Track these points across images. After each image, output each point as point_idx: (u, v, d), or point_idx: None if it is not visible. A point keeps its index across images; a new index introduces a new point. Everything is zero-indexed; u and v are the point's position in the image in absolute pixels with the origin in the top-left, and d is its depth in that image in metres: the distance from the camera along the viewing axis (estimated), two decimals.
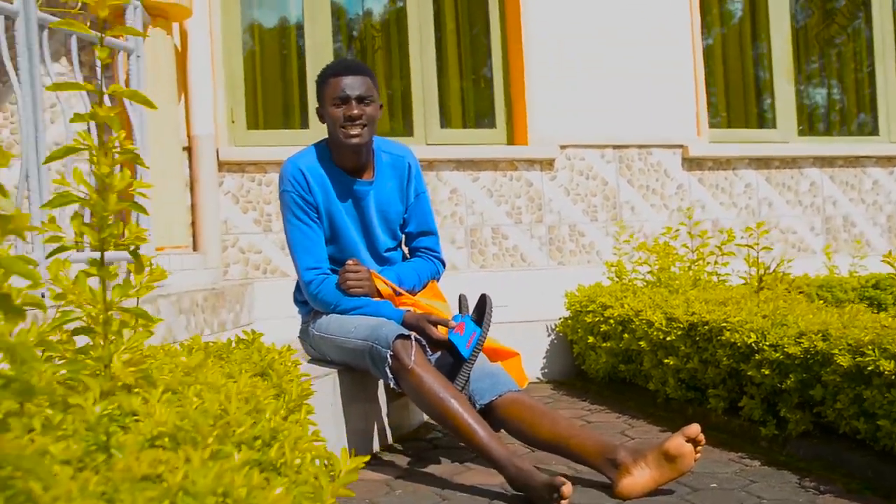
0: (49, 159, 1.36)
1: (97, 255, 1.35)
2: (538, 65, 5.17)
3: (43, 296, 2.06)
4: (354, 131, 2.74)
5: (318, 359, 2.96)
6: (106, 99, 3.89)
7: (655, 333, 3.26)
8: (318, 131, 4.57)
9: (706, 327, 3.04)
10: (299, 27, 5.18)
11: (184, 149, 4.67)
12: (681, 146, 5.43)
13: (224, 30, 4.88)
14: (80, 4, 3.82)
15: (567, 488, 2.15)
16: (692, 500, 2.34)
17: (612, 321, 3.60)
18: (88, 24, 3.99)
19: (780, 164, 5.68)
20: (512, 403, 2.60)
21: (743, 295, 3.31)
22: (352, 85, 2.74)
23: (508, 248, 5.15)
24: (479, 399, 2.64)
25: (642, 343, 3.37)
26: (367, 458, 1.48)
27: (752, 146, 5.65)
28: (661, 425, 3.21)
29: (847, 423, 2.52)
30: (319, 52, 5.11)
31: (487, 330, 2.61)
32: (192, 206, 4.72)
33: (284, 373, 1.97)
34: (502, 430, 2.64)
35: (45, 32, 3.45)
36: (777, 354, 2.69)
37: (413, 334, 2.58)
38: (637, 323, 3.41)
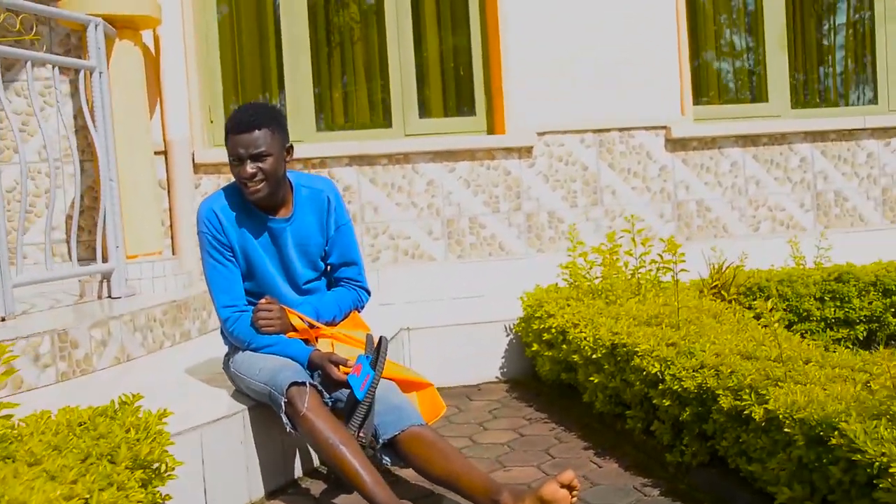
0: None
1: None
2: (516, 50, 5.13)
3: None
4: (253, 188, 2.80)
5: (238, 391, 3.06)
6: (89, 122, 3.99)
7: (586, 348, 3.29)
8: (297, 128, 4.59)
9: (624, 349, 3.06)
10: (276, 21, 5.21)
11: (160, 153, 4.78)
12: (664, 127, 5.36)
13: (198, 30, 4.93)
14: (34, 30, 3.90)
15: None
16: None
17: (553, 330, 3.63)
18: (44, 49, 4.08)
19: (768, 140, 5.55)
20: (413, 438, 2.67)
21: (674, 310, 3.30)
22: (246, 143, 2.77)
23: (486, 237, 5.18)
24: (384, 433, 2.71)
25: (575, 357, 3.41)
26: None
27: (739, 123, 5.53)
28: (588, 441, 3.26)
29: (733, 460, 2.54)
30: (297, 45, 5.14)
31: (380, 373, 2.67)
32: (169, 210, 4.85)
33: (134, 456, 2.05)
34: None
35: None
36: (676, 386, 2.71)
37: (308, 381, 2.65)
38: (573, 335, 3.44)
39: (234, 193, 2.95)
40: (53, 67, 3.83)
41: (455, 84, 5.48)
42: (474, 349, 4.21)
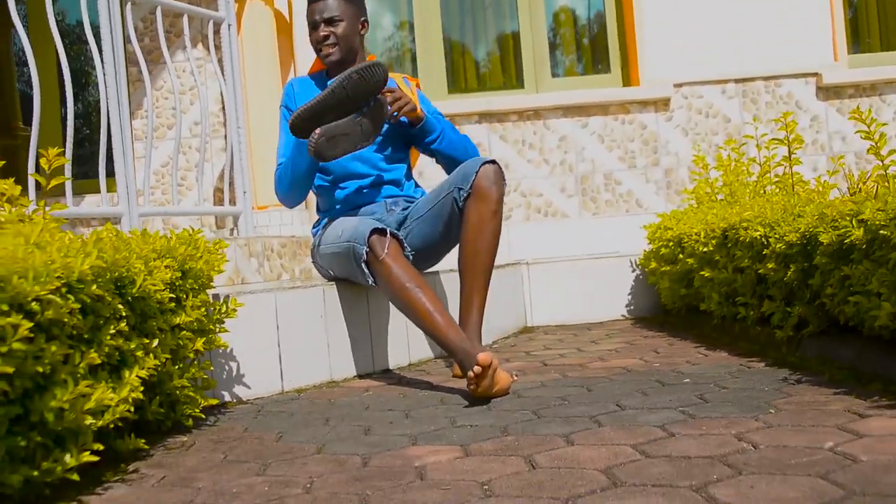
0: None
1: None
2: (648, 1, 4.95)
3: None
4: (326, 51, 2.92)
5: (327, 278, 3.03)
6: (218, 73, 4.21)
7: (698, 246, 3.05)
8: (429, 91, 4.58)
9: (733, 231, 2.80)
10: None
11: None
12: (814, 74, 4.99)
13: None
14: None
15: (484, 357, 2.16)
16: (653, 393, 2.19)
17: (670, 243, 3.40)
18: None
19: None
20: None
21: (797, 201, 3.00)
22: (320, 9, 2.91)
23: (622, 193, 4.96)
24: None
25: (690, 261, 3.16)
26: None
27: None
28: (701, 343, 3.01)
29: (840, 309, 2.25)
30: (427, 10, 5.19)
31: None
32: None
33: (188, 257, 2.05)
34: None
35: (129, 6, 3.78)
36: (780, 246, 2.45)
37: (389, 229, 2.61)
38: (686, 240, 3.20)
39: (318, 76, 3.10)
40: (184, 17, 4.04)
41: (588, 40, 5.36)
42: (597, 285, 4.01)
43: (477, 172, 2.68)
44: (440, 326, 2.40)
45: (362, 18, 2.99)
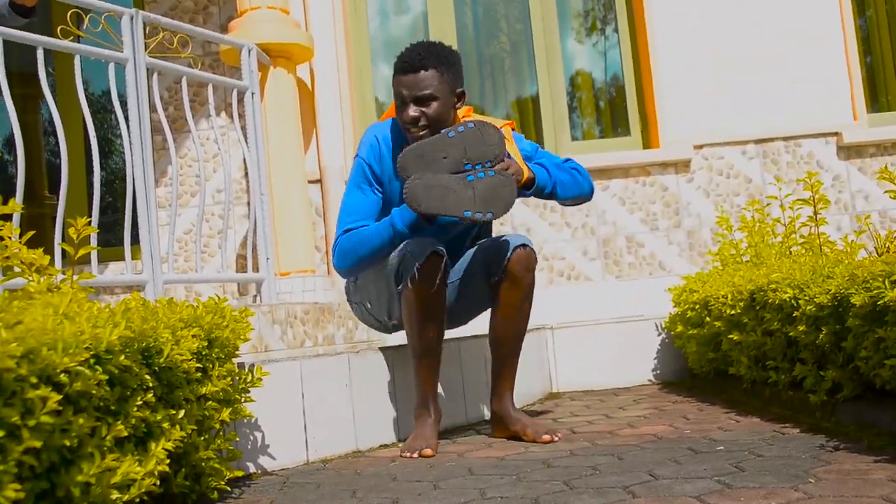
0: None
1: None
2: (666, 62, 4.99)
3: None
4: (416, 132, 2.61)
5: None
6: (241, 140, 4.25)
7: (726, 310, 3.01)
8: None
9: (761, 293, 2.77)
10: None
11: (315, 181, 4.94)
12: (835, 133, 4.99)
13: (352, 65, 5.14)
14: (189, 48, 4.20)
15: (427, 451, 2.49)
16: (686, 461, 2.14)
17: (697, 306, 3.37)
18: (199, 67, 4.37)
19: None
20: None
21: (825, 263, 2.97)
22: (410, 84, 2.59)
23: (645, 255, 4.94)
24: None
25: (718, 325, 3.12)
26: None
27: None
28: (731, 408, 2.96)
29: (875, 372, 2.20)
30: None
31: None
32: (325, 237, 4.97)
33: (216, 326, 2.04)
34: None
35: (156, 76, 3.85)
36: (811, 308, 2.41)
37: (445, 258, 2.54)
38: (713, 303, 3.17)
39: (399, 130, 2.78)
40: (209, 86, 4.10)
41: (607, 102, 5.39)
42: (623, 349, 3.97)
43: (510, 258, 2.59)
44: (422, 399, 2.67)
45: (459, 90, 2.66)
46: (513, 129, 2.80)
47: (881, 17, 5.45)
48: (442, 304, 2.58)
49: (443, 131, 2.48)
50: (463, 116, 2.77)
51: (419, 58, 2.60)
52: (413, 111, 2.59)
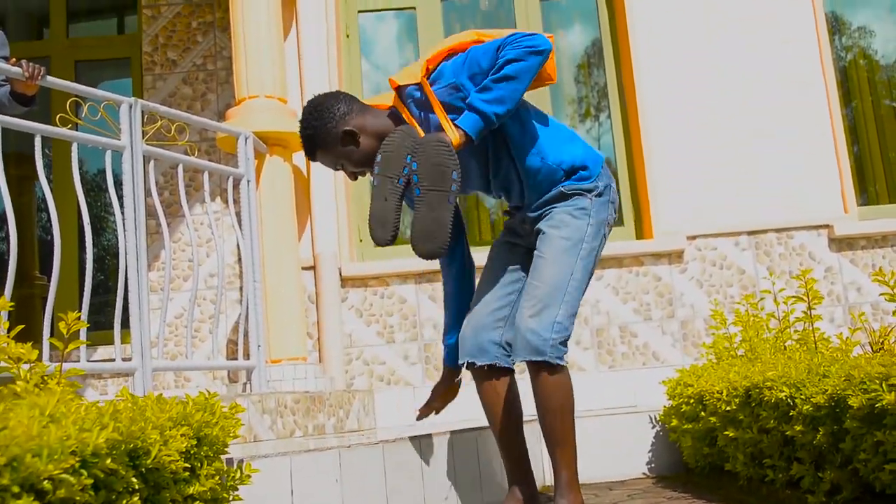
0: None
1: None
2: (659, 153, 5.05)
3: None
4: (358, 178, 2.82)
5: None
6: (235, 226, 4.26)
7: (722, 406, 2.99)
8: None
9: (756, 390, 2.75)
10: None
11: (308, 267, 4.94)
12: (826, 226, 5.03)
13: None
14: (187, 135, 4.23)
15: None
16: None
17: (691, 400, 3.34)
18: (195, 154, 4.40)
19: None
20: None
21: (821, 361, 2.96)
22: (319, 163, 2.78)
23: (639, 346, 4.92)
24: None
25: (713, 420, 3.09)
26: None
27: None
28: None
29: (875, 475, 2.17)
30: None
31: None
32: (318, 323, 4.94)
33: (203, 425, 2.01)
34: None
35: (152, 163, 3.87)
36: (807, 407, 2.39)
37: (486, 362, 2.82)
38: (708, 398, 3.14)
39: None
40: (205, 173, 4.13)
41: None
42: (616, 442, 3.91)
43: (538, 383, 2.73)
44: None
45: (343, 132, 2.62)
46: (442, 59, 2.63)
47: (867, 106, 5.54)
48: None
49: (371, 179, 2.63)
50: (390, 105, 2.74)
51: (306, 150, 2.74)
52: (345, 174, 2.78)
